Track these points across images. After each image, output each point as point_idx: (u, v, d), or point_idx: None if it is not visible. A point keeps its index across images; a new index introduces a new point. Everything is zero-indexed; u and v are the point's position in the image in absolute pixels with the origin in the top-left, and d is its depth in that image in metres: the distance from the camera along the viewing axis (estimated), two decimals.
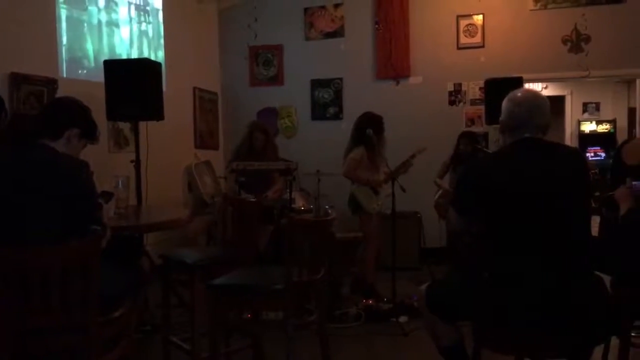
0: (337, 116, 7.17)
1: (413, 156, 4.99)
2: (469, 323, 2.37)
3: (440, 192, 5.91)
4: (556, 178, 2.24)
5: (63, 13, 4.93)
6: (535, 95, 2.44)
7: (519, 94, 2.42)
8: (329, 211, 3.32)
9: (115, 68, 4.48)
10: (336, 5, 7.14)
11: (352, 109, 6.65)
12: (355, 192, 5.00)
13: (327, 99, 7.23)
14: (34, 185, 2.24)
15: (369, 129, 4.88)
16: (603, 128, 10.38)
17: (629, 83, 9.21)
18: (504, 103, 2.42)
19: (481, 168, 2.44)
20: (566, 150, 2.54)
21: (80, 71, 5.15)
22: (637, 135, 7.34)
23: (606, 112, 10.50)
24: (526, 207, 2.20)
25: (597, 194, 3.34)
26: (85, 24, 5.24)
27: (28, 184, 2.24)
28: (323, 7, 7.18)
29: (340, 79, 7.17)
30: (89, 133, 2.54)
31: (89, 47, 5.29)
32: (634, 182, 2.83)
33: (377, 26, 6.89)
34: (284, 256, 2.78)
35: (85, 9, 5.24)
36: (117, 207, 3.12)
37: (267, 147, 5.21)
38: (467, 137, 5.92)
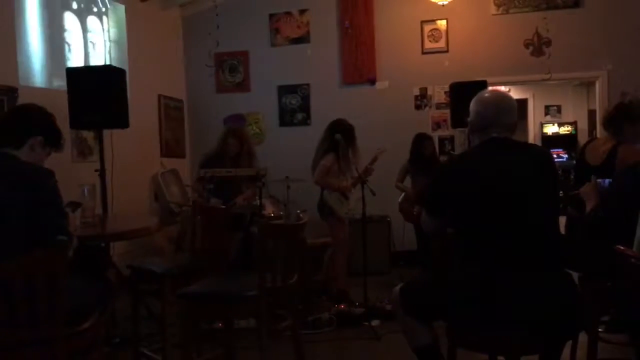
0: (305, 122, 7.17)
1: (374, 160, 5.04)
2: (443, 323, 2.38)
3: (403, 195, 5.97)
4: (525, 176, 2.27)
5: (22, 20, 4.81)
6: (501, 95, 2.48)
7: (486, 95, 2.46)
8: (301, 215, 3.30)
9: (78, 75, 4.38)
10: (302, 11, 7.15)
11: (320, 114, 6.68)
12: (327, 198, 4.99)
13: (294, 105, 7.23)
14: None
15: (337, 134, 4.88)
16: (565, 130, 10.64)
17: (589, 85, 9.45)
18: (472, 104, 2.44)
19: (451, 169, 2.46)
20: (534, 149, 2.58)
21: (40, 79, 5.03)
22: (598, 136, 7.52)
23: (567, 114, 10.77)
24: (496, 206, 2.22)
25: (560, 193, 3.41)
26: (46, 31, 5.13)
27: None
28: (288, 13, 7.18)
29: (307, 84, 7.17)
30: (53, 140, 2.48)
31: (50, 54, 5.17)
32: (598, 180, 2.90)
33: (347, 28, 6.92)
34: (256, 262, 2.75)
35: (47, 16, 5.13)
36: (83, 216, 3.04)
37: (242, 154, 5.07)
38: (430, 139, 5.97)
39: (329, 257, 5.15)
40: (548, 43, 6.55)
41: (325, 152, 5.00)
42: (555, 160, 9.59)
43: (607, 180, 2.88)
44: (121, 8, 6.23)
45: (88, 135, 5.34)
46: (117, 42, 6.17)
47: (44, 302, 2.07)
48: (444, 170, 2.50)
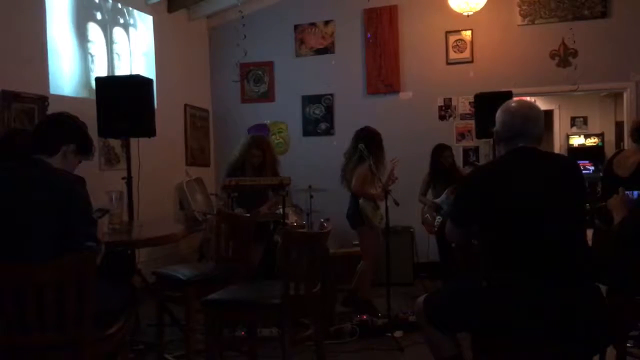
0: (329, 132, 7.19)
1: (392, 172, 4.99)
2: (467, 334, 2.36)
3: (425, 207, 5.92)
4: (552, 187, 2.25)
5: (53, 31, 4.93)
6: (528, 105, 2.46)
7: (513, 104, 2.45)
8: (325, 224, 3.30)
9: (107, 85, 4.47)
10: (326, 22, 7.20)
11: (344, 124, 6.69)
12: (363, 206, 4.93)
13: (318, 114, 7.26)
14: (30, 201, 2.22)
15: (361, 144, 4.87)
16: (591, 142, 10.50)
17: (616, 96, 9.33)
18: (498, 114, 2.43)
19: (478, 178, 2.44)
20: (561, 159, 2.56)
21: (69, 88, 5.13)
22: (626, 148, 7.41)
23: (594, 126, 10.62)
24: (523, 216, 2.20)
25: (587, 206, 3.36)
26: (77, 42, 5.24)
27: (24, 200, 2.22)
28: (313, 24, 7.23)
29: (331, 94, 7.20)
30: (85, 149, 2.53)
31: (81, 64, 5.28)
32: (627, 192, 2.86)
33: (369, 39, 6.94)
34: (280, 271, 2.76)
35: (78, 27, 5.24)
36: (111, 222, 3.09)
37: (265, 164, 5.04)
38: (449, 150, 5.93)
39: (360, 267, 5.11)
40: (574, 54, 6.49)
41: (358, 160, 4.94)
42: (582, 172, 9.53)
43: (635, 192, 2.84)
44: (149, 19, 6.35)
45: (115, 143, 5.43)
46: (144, 53, 6.28)
47: (72, 307, 2.11)
48: (471, 180, 2.48)
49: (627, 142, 7.52)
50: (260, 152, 5.04)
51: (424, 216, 5.92)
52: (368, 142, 4.92)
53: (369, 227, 4.96)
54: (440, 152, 5.85)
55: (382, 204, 4.94)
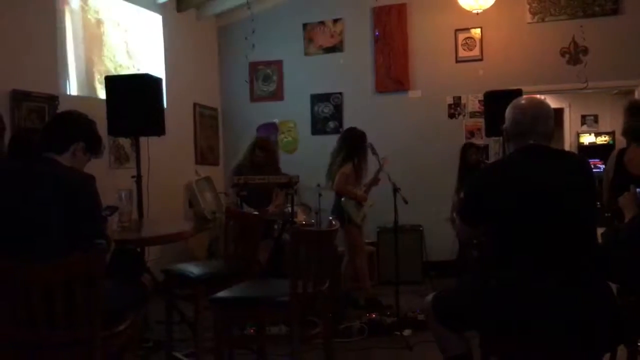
0: (337, 130, 7.14)
1: (379, 170, 5.10)
2: (476, 333, 2.35)
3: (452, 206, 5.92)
4: (563, 184, 2.23)
5: (64, 30, 4.96)
6: (539, 102, 2.44)
7: (523, 102, 2.43)
8: (333, 222, 3.31)
9: (116, 84, 4.48)
10: (335, 21, 7.19)
11: (352, 123, 6.62)
12: (345, 205, 5.06)
13: (327, 113, 7.25)
14: (40, 198, 2.23)
15: (368, 142, 4.98)
16: (602, 140, 10.42)
17: (627, 94, 9.24)
18: (508, 111, 2.42)
19: (487, 176, 2.42)
20: (571, 157, 2.54)
21: (79, 87, 5.16)
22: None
23: (605, 124, 10.54)
24: (534, 213, 2.19)
25: (597, 205, 3.33)
26: (86, 41, 5.26)
27: (34, 198, 2.23)
28: (322, 23, 7.23)
29: (340, 93, 7.20)
30: (94, 147, 2.54)
31: (90, 63, 5.31)
32: (638, 190, 2.83)
33: (377, 37, 6.93)
34: (288, 268, 2.76)
35: (87, 27, 5.27)
36: (120, 220, 3.10)
37: (268, 163, 5.16)
38: (474, 147, 5.94)
39: (346, 266, 5.20)
40: (585, 51, 6.44)
41: (343, 160, 5.10)
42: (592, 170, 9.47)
43: None
44: (158, 18, 6.37)
45: (125, 142, 5.45)
46: (153, 52, 6.29)
47: (81, 304, 2.12)
48: (480, 178, 2.46)
49: None
50: (262, 152, 5.13)
51: (452, 214, 5.92)
52: (356, 142, 5.06)
53: (352, 225, 5.05)
54: (464, 151, 5.89)
55: (368, 202, 5.02)
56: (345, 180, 5.06)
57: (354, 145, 5.11)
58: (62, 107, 4.58)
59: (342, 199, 5.06)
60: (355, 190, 5.13)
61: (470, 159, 5.82)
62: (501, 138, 2.53)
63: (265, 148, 5.22)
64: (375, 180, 5.18)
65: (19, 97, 4.34)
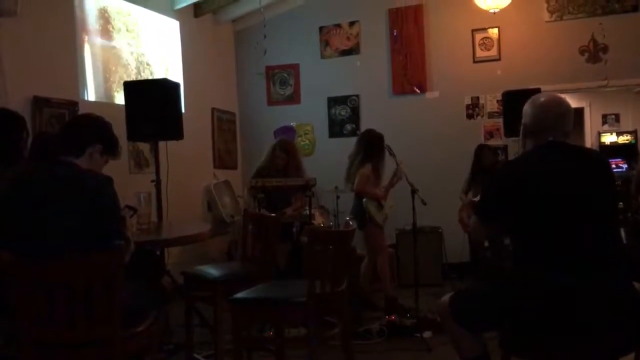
0: (355, 133, 7.14)
1: (395, 174, 5.07)
2: (493, 334, 2.32)
3: (462, 205, 5.88)
4: (585, 180, 2.21)
5: (83, 37, 5.03)
6: (559, 99, 2.40)
7: (543, 99, 2.39)
8: (350, 223, 3.30)
9: (135, 89, 4.53)
10: (351, 23, 7.19)
11: (370, 125, 6.59)
12: (367, 206, 5.01)
13: (344, 115, 7.26)
14: (59, 201, 2.26)
15: (386, 144, 4.96)
16: (624, 139, 10.25)
17: None
18: (528, 107, 2.39)
19: (507, 173, 2.38)
20: (592, 153, 2.51)
21: (99, 93, 5.23)
22: None
23: (626, 123, 10.38)
24: (556, 211, 2.15)
25: (620, 204, 3.28)
26: (105, 47, 5.33)
27: (52, 200, 2.26)
28: (338, 26, 7.24)
29: (357, 95, 7.19)
30: (111, 149, 2.56)
31: (107, 69, 5.38)
32: None
33: (395, 35, 6.91)
34: (305, 268, 2.76)
35: (106, 32, 5.34)
36: (139, 222, 3.13)
37: (289, 166, 5.13)
38: (488, 149, 5.90)
39: (366, 267, 5.17)
40: (605, 49, 6.36)
41: (362, 161, 5.07)
42: (615, 170, 9.32)
43: None
44: (175, 24, 6.43)
45: (144, 147, 5.51)
46: (171, 57, 6.35)
47: (101, 304, 2.14)
48: (500, 174, 2.43)
49: None
50: (284, 154, 5.11)
51: (461, 214, 5.88)
52: (374, 143, 5.05)
53: (374, 226, 5.01)
54: (479, 152, 5.85)
55: (388, 202, 4.98)
56: (365, 181, 5.03)
57: (372, 147, 5.08)
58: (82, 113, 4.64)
59: (364, 200, 5.04)
60: (375, 190, 5.10)
61: (486, 161, 5.78)
62: (521, 132, 2.48)
63: (287, 150, 5.20)
64: (392, 184, 5.14)
65: (40, 104, 4.41)
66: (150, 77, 5.85)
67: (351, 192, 5.17)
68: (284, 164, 5.11)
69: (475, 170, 5.85)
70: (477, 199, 5.64)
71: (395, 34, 6.94)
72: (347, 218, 4.40)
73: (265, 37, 6.98)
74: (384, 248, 5.18)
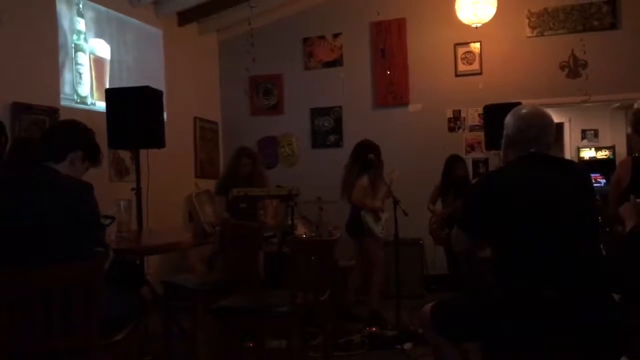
0: (338, 144, 7.19)
1: (390, 184, 4.99)
2: (477, 346, 2.32)
3: (432, 217, 5.89)
4: (567, 192, 2.22)
5: (65, 43, 4.98)
6: (542, 112, 2.41)
7: (525, 111, 2.40)
8: (332, 232, 3.30)
9: (117, 96, 4.49)
10: (335, 35, 7.23)
11: (352, 136, 6.66)
12: (365, 217, 4.97)
13: (327, 127, 7.27)
14: (38, 207, 2.22)
15: (371, 154, 4.91)
16: (602, 154, 10.41)
17: (627, 109, 9.25)
18: (510, 118, 2.40)
19: (490, 184, 2.37)
20: (572, 165, 2.53)
21: (80, 100, 5.18)
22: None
23: (605, 138, 10.54)
24: (536, 222, 2.16)
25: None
26: (87, 54, 5.29)
27: (32, 206, 2.22)
28: (322, 37, 7.27)
29: (340, 107, 7.22)
30: (92, 156, 2.54)
31: (90, 76, 5.33)
32: (638, 200, 2.82)
33: (382, 51, 6.96)
34: (287, 278, 2.74)
35: (87, 40, 5.30)
36: (119, 230, 3.09)
37: (254, 174, 5.05)
38: (462, 161, 5.93)
39: (353, 278, 5.13)
40: (585, 65, 6.47)
41: (359, 172, 5.01)
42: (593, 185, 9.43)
43: None
44: (159, 32, 6.40)
45: (125, 155, 5.46)
46: (154, 66, 6.32)
47: (79, 312, 2.10)
48: (484, 186, 2.43)
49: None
50: (250, 160, 5.05)
51: (432, 226, 5.89)
52: (376, 153, 5.00)
53: (372, 238, 4.96)
54: (453, 163, 5.85)
55: (385, 214, 4.97)
56: (363, 193, 4.98)
57: (368, 157, 4.97)
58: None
59: (362, 212, 5.00)
60: (373, 202, 5.05)
61: (457, 173, 5.80)
62: (502, 143, 2.49)
63: (251, 156, 5.15)
64: (388, 192, 4.97)
65: (20, 110, 4.36)
66: (132, 85, 5.80)
67: (348, 203, 5.11)
68: (249, 171, 5.05)
69: (445, 181, 5.86)
70: (446, 212, 5.67)
71: (381, 49, 6.98)
72: (330, 227, 4.39)
73: (252, 45, 6.98)
74: (382, 263, 5.08)
